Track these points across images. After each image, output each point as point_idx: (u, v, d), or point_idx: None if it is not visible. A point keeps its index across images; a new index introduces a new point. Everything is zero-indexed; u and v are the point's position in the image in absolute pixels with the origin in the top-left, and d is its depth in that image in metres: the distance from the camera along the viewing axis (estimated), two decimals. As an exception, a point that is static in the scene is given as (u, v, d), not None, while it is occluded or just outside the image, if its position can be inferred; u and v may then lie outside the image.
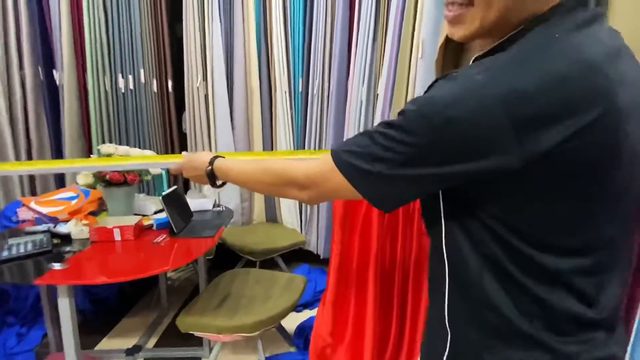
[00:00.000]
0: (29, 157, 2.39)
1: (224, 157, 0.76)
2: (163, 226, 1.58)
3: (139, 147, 2.36)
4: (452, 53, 1.04)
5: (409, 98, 1.53)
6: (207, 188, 2.04)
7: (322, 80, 2.29)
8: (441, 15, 1.45)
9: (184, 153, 0.90)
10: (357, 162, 0.47)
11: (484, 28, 0.45)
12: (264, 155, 0.77)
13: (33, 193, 2.40)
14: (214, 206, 1.98)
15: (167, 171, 1.97)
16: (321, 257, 2.49)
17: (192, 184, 2.49)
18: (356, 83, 2.14)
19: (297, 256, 2.53)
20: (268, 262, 2.35)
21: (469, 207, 0.44)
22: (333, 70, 2.23)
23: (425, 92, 0.45)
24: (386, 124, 0.46)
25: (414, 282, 1.00)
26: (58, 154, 2.41)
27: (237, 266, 2.45)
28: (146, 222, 1.61)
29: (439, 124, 0.40)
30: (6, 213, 1.87)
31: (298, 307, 2.15)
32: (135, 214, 1.73)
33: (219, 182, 0.78)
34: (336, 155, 0.50)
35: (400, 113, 0.45)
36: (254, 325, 1.40)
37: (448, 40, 1.01)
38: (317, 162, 0.54)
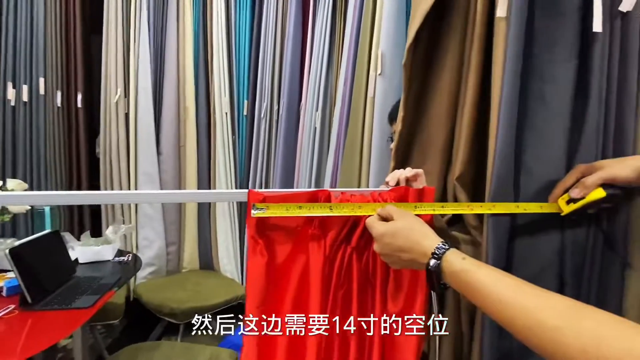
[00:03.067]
0: None
1: (457, 250, 0.47)
2: (17, 291, 1.07)
3: (32, 177, 1.82)
4: (422, 54, 0.76)
5: (367, 122, 1.25)
6: (110, 230, 1.55)
7: (271, 102, 1.97)
8: (403, 25, 1.21)
9: (391, 209, 0.55)
10: None
11: None
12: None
13: None
14: (117, 255, 1.49)
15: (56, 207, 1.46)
16: (266, 314, 2.02)
17: (105, 222, 1.96)
18: (309, 108, 1.85)
19: (236, 313, 2.04)
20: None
21: None
22: (283, 92, 1.93)
23: None
24: None
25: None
26: None
27: (155, 330, 1.90)
28: (-8, 285, 1.09)
29: None
30: None
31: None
32: (-13, 270, 1.20)
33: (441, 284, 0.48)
34: None
35: None
36: None
37: (417, 38, 0.72)
38: None
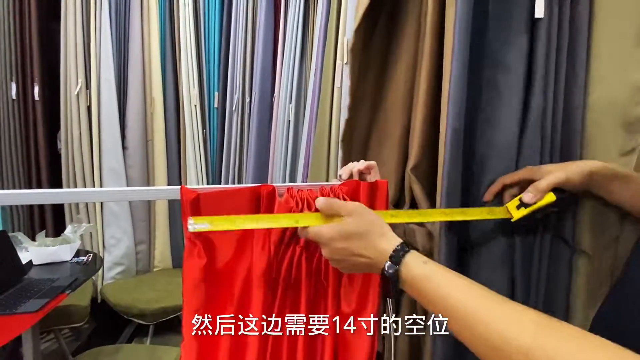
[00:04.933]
0: None
1: (418, 253, 0.42)
2: (-45, 297, 0.99)
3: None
4: (380, 41, 0.72)
5: (335, 112, 1.21)
6: (69, 229, 1.47)
7: (243, 94, 1.90)
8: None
9: (335, 204, 0.47)
10: None
11: None
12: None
13: None
14: (76, 255, 1.41)
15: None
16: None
17: (68, 220, 1.86)
18: (282, 100, 1.79)
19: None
20: (169, 323, 1.78)
21: None
22: (255, 84, 1.86)
23: None
24: None
25: None
26: None
27: (124, 333, 1.84)
28: None
29: None
30: None
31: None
32: None
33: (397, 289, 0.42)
34: None
35: None
36: None
37: (371, 18, 0.69)
38: None
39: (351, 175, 0.59)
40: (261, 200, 0.55)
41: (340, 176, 0.61)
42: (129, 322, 1.79)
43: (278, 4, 1.82)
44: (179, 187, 0.52)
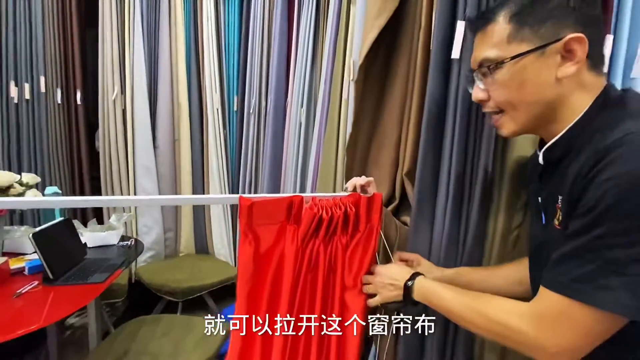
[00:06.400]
0: None
1: (424, 276, 0.70)
2: (37, 270, 1.24)
3: (36, 170, 1.96)
4: (377, 75, 0.93)
5: (342, 122, 1.40)
6: (114, 218, 1.72)
7: (259, 98, 2.12)
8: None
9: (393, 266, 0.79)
10: (605, 281, 0.44)
11: (527, 126, 0.54)
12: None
13: None
14: (120, 240, 1.66)
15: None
16: (257, 293, 2.21)
17: (106, 212, 2.11)
18: (295, 104, 2.00)
19: (229, 292, 2.24)
20: (195, 301, 2.03)
21: None
22: (270, 89, 2.07)
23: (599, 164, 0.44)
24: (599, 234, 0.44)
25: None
26: None
27: (156, 308, 2.09)
28: (16, 265, 1.26)
29: None
30: None
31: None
32: (7, 253, 1.36)
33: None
34: (568, 289, 0.47)
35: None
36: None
37: (371, 58, 0.89)
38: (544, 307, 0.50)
39: (355, 188, 0.77)
40: (293, 206, 0.75)
41: (346, 188, 0.79)
42: (159, 300, 2.04)
43: (291, 18, 2.01)
44: (238, 195, 0.72)
